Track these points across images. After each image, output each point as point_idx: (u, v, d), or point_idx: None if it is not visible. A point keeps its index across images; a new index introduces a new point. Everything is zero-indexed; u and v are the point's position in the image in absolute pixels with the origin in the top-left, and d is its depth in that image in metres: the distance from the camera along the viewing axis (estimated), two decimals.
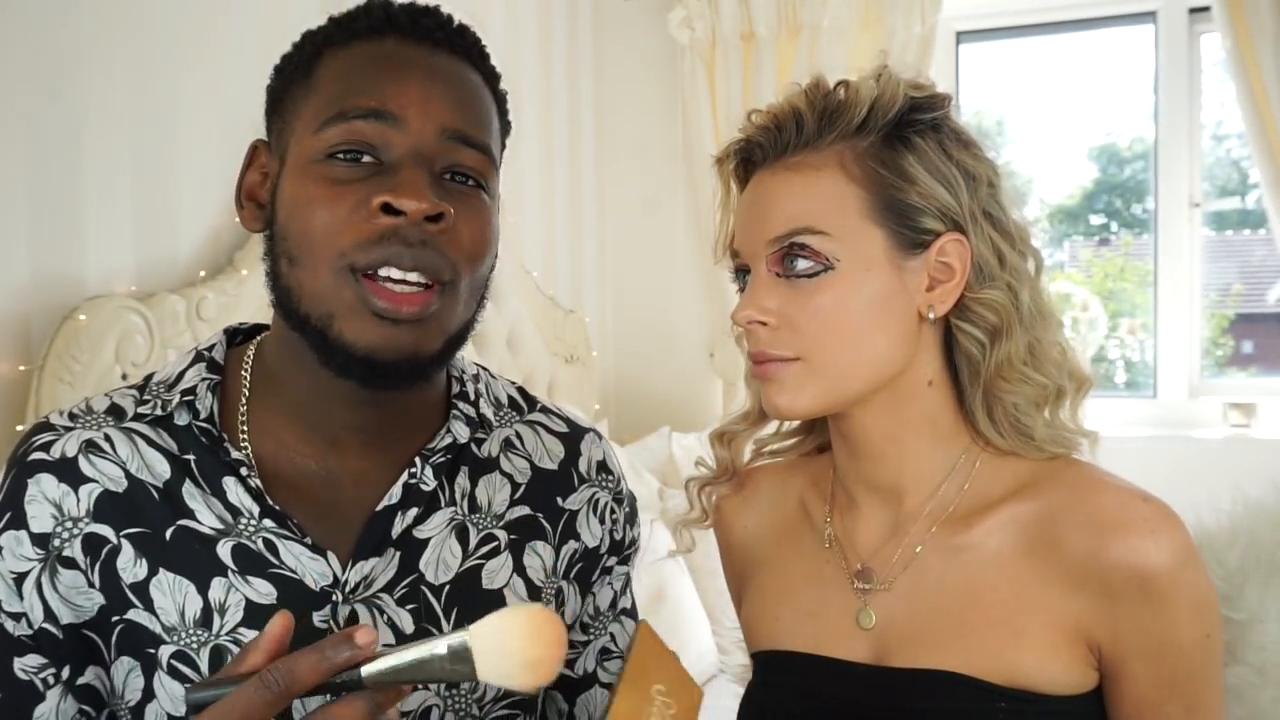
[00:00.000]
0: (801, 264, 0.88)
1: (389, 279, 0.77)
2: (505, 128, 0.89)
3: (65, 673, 0.79)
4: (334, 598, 0.81)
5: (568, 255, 3.08)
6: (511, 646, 0.61)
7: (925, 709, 0.87)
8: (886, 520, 0.95)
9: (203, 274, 1.84)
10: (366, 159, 0.78)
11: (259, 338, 0.90)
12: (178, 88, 1.81)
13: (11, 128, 1.55)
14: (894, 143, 0.89)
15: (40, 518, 0.79)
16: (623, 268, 3.30)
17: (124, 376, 1.62)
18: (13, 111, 1.55)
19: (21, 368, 1.56)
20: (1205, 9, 2.87)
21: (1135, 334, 3.23)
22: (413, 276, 0.77)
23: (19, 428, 1.54)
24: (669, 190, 3.19)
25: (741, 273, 0.94)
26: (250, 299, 1.85)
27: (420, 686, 0.83)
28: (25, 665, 0.78)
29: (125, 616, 0.79)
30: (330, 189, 0.77)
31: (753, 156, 0.94)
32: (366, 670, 0.61)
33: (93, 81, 1.66)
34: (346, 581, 0.81)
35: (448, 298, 0.80)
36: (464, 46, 0.84)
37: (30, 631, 0.78)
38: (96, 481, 0.80)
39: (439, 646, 0.61)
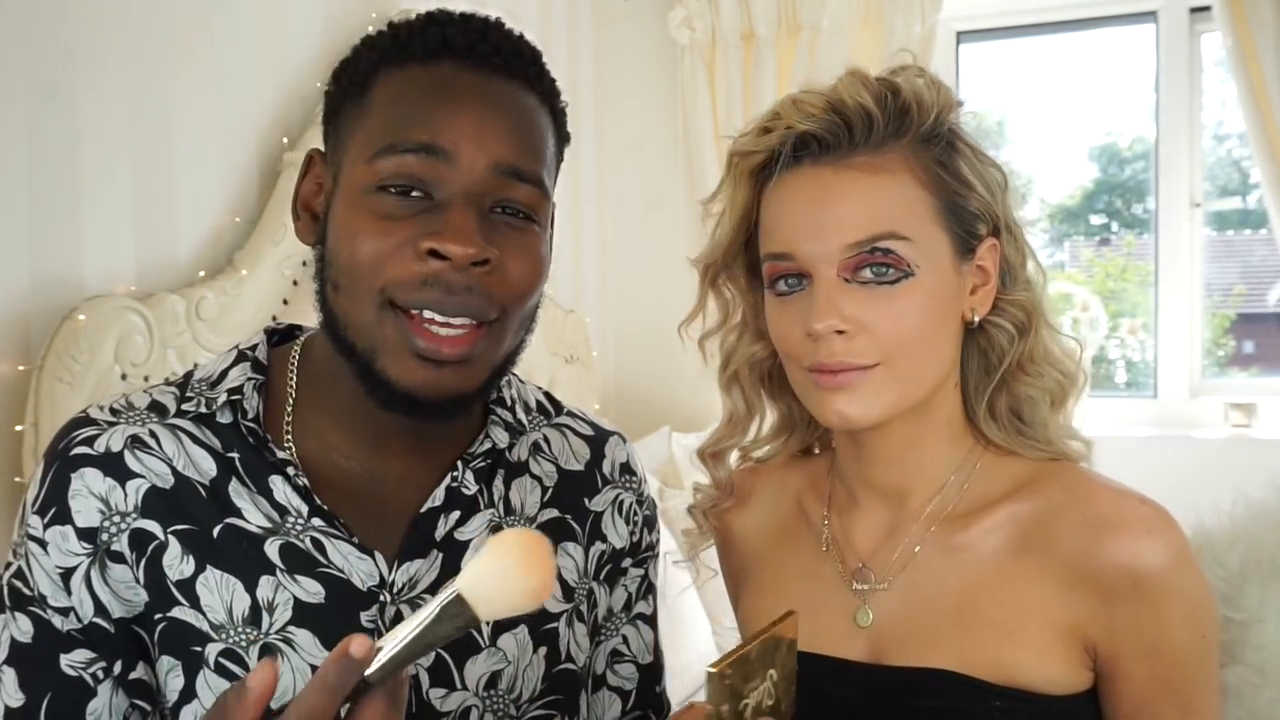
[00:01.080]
0: (880, 270, 0.85)
1: (432, 321, 0.77)
2: (564, 141, 0.88)
3: (117, 668, 0.79)
4: (381, 598, 0.81)
5: (568, 255, 3.08)
6: (504, 582, 0.60)
7: (920, 707, 0.87)
8: (886, 520, 0.95)
9: (202, 274, 1.84)
10: (416, 193, 0.78)
11: (302, 339, 0.90)
12: (177, 87, 1.80)
13: (11, 128, 1.55)
14: (948, 148, 0.90)
15: (86, 512, 0.78)
16: (623, 268, 3.29)
17: (124, 377, 1.62)
18: (12, 111, 1.55)
19: (21, 368, 1.56)
20: (1206, 8, 2.86)
21: (1136, 334, 3.23)
22: (456, 320, 0.77)
23: (18, 428, 1.54)
24: (669, 190, 3.19)
25: (784, 278, 0.89)
26: (250, 299, 1.85)
27: (459, 686, 0.84)
28: (73, 661, 0.78)
29: (169, 615, 0.79)
30: (378, 223, 0.77)
31: (807, 150, 0.88)
32: (370, 672, 0.58)
33: (92, 81, 1.66)
34: (394, 582, 0.82)
35: (493, 336, 0.80)
36: (521, 68, 0.82)
37: (79, 625, 0.78)
38: (144, 477, 0.80)
39: (436, 618, 0.59)
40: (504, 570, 0.60)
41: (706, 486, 1.06)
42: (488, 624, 0.81)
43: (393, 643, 0.59)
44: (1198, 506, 1.10)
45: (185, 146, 1.82)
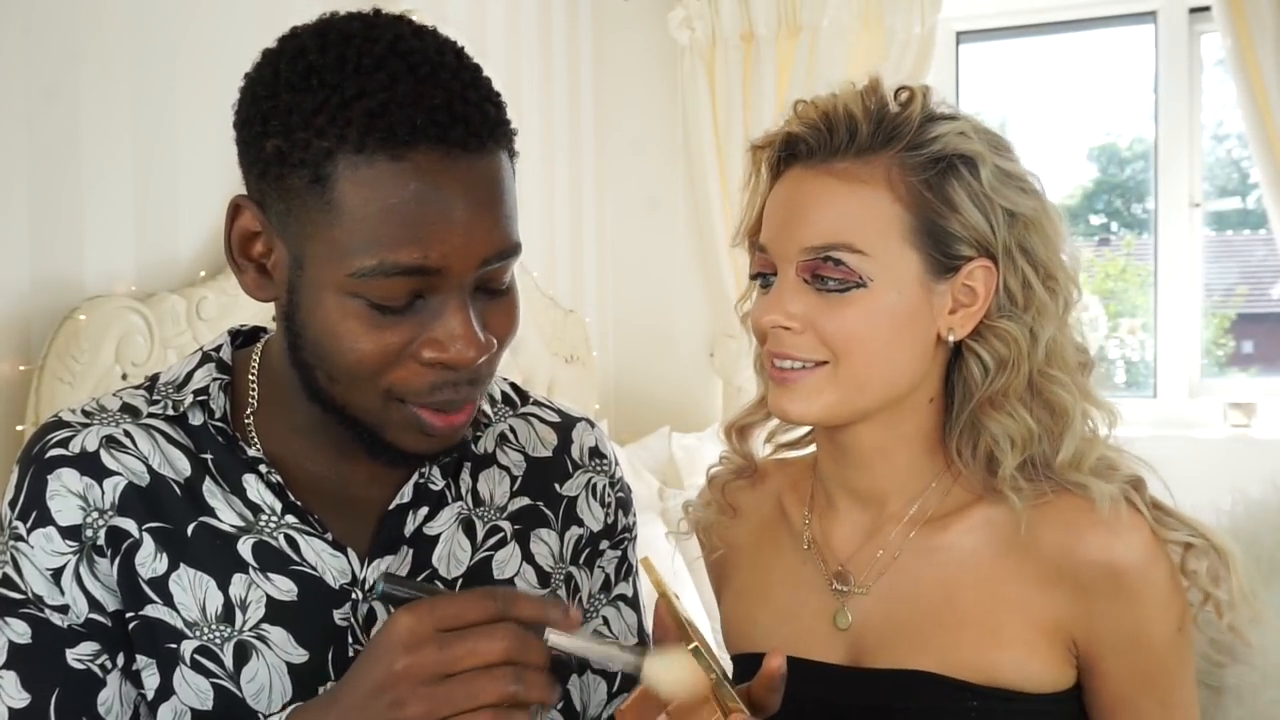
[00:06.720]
0: (833, 280, 0.87)
1: (441, 409, 0.77)
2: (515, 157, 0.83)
3: (120, 659, 0.79)
4: (354, 595, 0.82)
5: (568, 255, 3.08)
6: (665, 685, 0.70)
7: (897, 708, 0.88)
8: (865, 523, 0.96)
9: (203, 274, 1.84)
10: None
11: (263, 341, 0.89)
12: (177, 87, 1.80)
13: (11, 128, 1.55)
14: (947, 168, 0.87)
15: (66, 511, 0.79)
16: (623, 268, 3.29)
17: (124, 376, 1.62)
18: (12, 111, 1.55)
19: (21, 368, 1.56)
20: (1205, 9, 2.86)
21: (1135, 334, 3.23)
22: (464, 404, 0.78)
23: (19, 428, 1.54)
24: (669, 190, 3.19)
25: (765, 274, 0.92)
26: (250, 299, 1.85)
27: None
28: (79, 655, 0.78)
29: (140, 613, 0.79)
30: (371, 326, 0.73)
31: (796, 151, 0.91)
32: (553, 637, 0.67)
33: (92, 81, 1.66)
34: (365, 579, 0.82)
35: (483, 390, 0.81)
36: (489, 128, 0.74)
37: (80, 621, 0.78)
38: (120, 475, 0.80)
39: (619, 660, 0.69)
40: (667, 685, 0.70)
41: (727, 459, 1.07)
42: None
43: (581, 640, 0.68)
44: (1197, 506, 1.10)
45: (185, 147, 1.82)
